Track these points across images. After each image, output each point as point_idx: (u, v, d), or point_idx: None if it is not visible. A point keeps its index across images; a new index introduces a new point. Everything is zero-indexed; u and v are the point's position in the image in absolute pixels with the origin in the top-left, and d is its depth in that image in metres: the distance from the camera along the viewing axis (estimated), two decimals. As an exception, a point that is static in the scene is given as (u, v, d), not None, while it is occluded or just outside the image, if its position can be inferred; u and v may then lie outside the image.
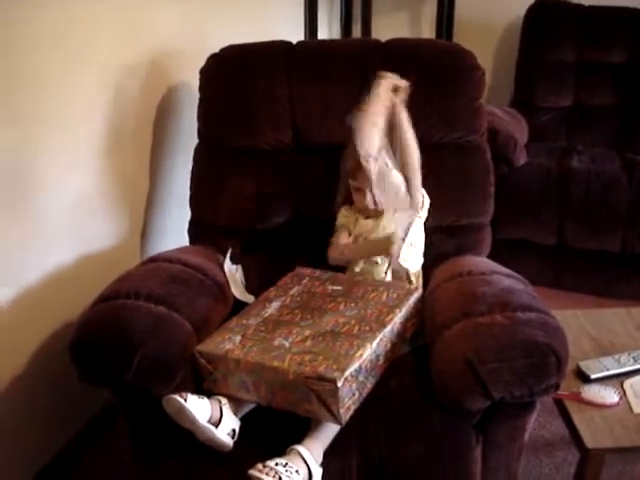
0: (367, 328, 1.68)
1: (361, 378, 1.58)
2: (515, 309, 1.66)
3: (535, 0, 3.54)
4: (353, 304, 1.80)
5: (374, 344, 1.63)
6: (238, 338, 1.69)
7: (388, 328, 1.70)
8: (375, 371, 1.65)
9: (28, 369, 2.00)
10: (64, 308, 2.10)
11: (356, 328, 1.69)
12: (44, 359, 2.05)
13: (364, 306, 1.78)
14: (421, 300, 1.88)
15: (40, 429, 2.09)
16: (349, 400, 1.53)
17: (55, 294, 2.07)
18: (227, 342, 1.67)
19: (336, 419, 1.52)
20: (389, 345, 1.71)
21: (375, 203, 1.99)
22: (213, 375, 1.65)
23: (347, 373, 1.51)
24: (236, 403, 1.63)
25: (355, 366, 1.54)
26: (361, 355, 1.58)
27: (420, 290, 1.90)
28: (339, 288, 1.90)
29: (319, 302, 1.83)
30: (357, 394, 1.57)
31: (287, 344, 1.64)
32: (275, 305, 1.84)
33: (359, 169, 1.96)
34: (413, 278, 2.00)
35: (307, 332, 1.68)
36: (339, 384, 1.48)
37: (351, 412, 1.55)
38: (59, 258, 2.08)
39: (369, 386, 1.63)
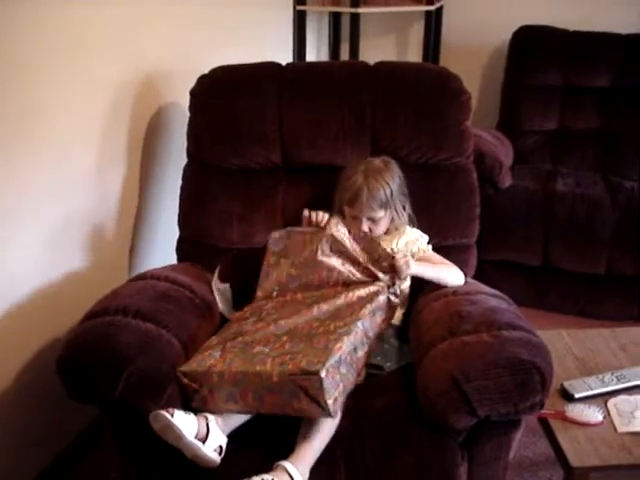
0: (341, 324, 1.72)
1: (343, 370, 1.61)
2: (500, 328, 1.68)
3: (521, 25, 3.59)
4: (324, 306, 1.83)
5: (351, 336, 1.67)
6: (218, 353, 1.71)
7: (361, 322, 1.73)
8: (355, 365, 1.68)
9: (14, 385, 1.99)
10: (52, 325, 2.10)
11: (331, 326, 1.72)
12: (31, 375, 2.04)
13: (335, 308, 1.82)
14: (389, 301, 1.90)
15: (23, 446, 2.07)
16: (335, 391, 1.56)
17: (43, 311, 2.06)
18: (208, 358, 1.69)
19: (325, 411, 1.54)
20: (365, 339, 1.74)
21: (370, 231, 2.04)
22: (199, 393, 1.66)
23: (328, 364, 1.54)
24: (223, 420, 1.64)
25: (335, 357, 1.58)
26: (340, 347, 1.61)
27: (394, 290, 1.91)
28: (313, 294, 1.92)
29: (293, 309, 1.86)
30: (341, 386, 1.59)
31: (267, 350, 1.67)
32: (251, 320, 1.87)
33: (357, 199, 2.01)
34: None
35: (284, 338, 1.71)
36: (323, 375, 1.51)
37: (339, 405, 1.58)
38: (47, 275, 2.08)
39: (351, 380, 1.65)
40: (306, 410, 1.56)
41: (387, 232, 2.10)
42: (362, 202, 2.02)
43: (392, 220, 2.09)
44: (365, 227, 2.04)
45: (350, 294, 1.86)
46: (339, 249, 1.97)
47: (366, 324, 1.76)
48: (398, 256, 1.90)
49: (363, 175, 2.04)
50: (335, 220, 2.03)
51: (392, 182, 2.06)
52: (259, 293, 2.03)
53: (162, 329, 1.73)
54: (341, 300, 1.85)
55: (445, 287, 1.98)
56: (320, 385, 1.52)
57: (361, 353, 1.72)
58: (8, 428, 2.01)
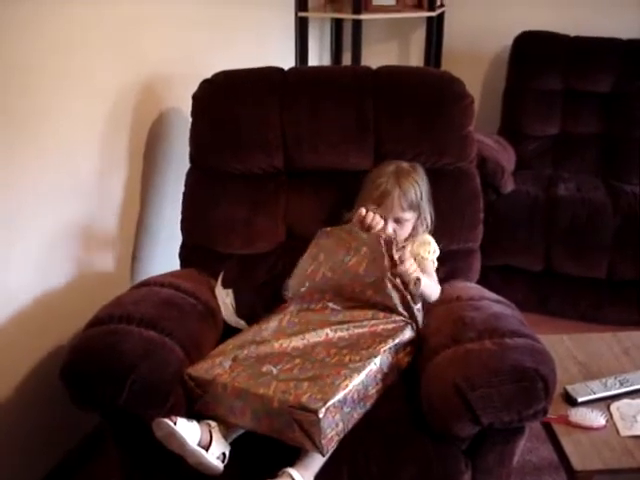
0: (357, 358, 1.68)
1: (346, 409, 1.56)
2: (503, 335, 1.68)
3: (522, 30, 3.60)
4: (346, 333, 1.79)
5: (362, 374, 1.63)
6: (229, 363, 1.69)
7: (378, 359, 1.70)
8: (364, 401, 1.64)
9: (17, 392, 1.99)
10: (55, 331, 2.10)
11: (347, 358, 1.68)
12: (34, 382, 2.04)
13: (357, 336, 1.78)
14: (417, 332, 1.89)
15: (26, 452, 2.08)
16: (332, 431, 1.52)
17: (46, 317, 2.07)
18: (217, 367, 1.68)
19: (318, 449, 1.51)
20: (379, 376, 1.70)
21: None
22: (203, 398, 1.66)
23: (330, 404, 1.50)
24: (226, 427, 1.64)
25: (339, 396, 1.53)
26: (347, 385, 1.57)
27: (419, 322, 1.90)
28: (338, 309, 1.90)
29: (315, 324, 1.83)
30: (341, 425, 1.55)
31: (275, 371, 1.64)
32: (272, 326, 1.85)
33: (388, 197, 2.01)
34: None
35: (297, 360, 1.68)
36: (320, 415, 1.47)
37: (334, 443, 1.54)
38: (50, 282, 2.09)
39: (356, 417, 1.62)
40: (300, 442, 1.53)
41: (406, 238, 2.08)
42: (393, 201, 2.01)
43: (414, 228, 2.08)
44: (390, 228, 2.02)
45: (374, 323, 1.83)
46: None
47: (383, 361, 1.72)
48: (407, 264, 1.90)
49: (395, 175, 2.05)
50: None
51: (422, 184, 2.07)
52: (291, 281, 2.01)
53: (165, 336, 1.73)
54: (365, 329, 1.81)
55: (440, 281, 2.01)
56: (317, 424, 1.48)
57: (373, 391, 1.68)
58: (12, 434, 2.01)
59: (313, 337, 1.78)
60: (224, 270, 2.14)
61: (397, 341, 1.79)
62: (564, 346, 2.10)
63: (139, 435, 1.64)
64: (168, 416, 1.56)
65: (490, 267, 2.81)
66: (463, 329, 1.73)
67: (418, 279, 1.89)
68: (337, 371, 1.61)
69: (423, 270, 1.99)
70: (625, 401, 1.84)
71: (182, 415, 1.59)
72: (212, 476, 1.57)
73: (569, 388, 1.86)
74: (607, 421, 1.76)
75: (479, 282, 2.19)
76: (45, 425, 2.12)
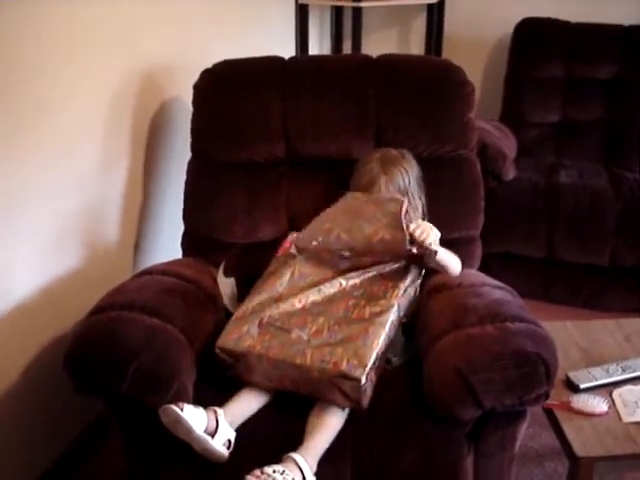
0: (377, 310, 1.75)
1: (378, 363, 1.66)
2: (505, 320, 1.69)
3: (523, 17, 3.59)
4: (357, 280, 1.85)
5: (386, 327, 1.71)
6: (255, 329, 1.74)
7: (395, 308, 1.77)
8: (386, 349, 1.73)
9: (21, 380, 2.00)
10: (58, 320, 2.11)
11: (366, 310, 1.75)
12: (37, 371, 2.05)
13: (369, 282, 1.84)
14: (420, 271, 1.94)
15: (31, 442, 2.09)
16: (369, 386, 1.62)
17: (49, 306, 2.07)
18: (245, 336, 1.73)
19: (359, 406, 1.61)
20: (397, 322, 1.79)
21: None
22: (235, 367, 1.73)
23: (368, 368, 1.59)
24: (232, 414, 1.64)
25: (373, 357, 1.62)
26: (377, 344, 1.66)
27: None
28: (346, 255, 1.91)
29: (327, 274, 1.88)
30: (375, 378, 1.65)
31: (305, 336, 1.70)
32: (285, 280, 1.89)
33: (373, 185, 2.02)
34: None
35: (321, 320, 1.74)
36: (363, 381, 1.57)
37: (369, 395, 1.63)
38: (53, 270, 2.09)
39: (381, 365, 1.71)
40: (339, 402, 1.63)
41: None
42: (379, 188, 2.02)
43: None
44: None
45: (381, 267, 1.87)
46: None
47: (401, 306, 1.80)
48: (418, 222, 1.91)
49: (380, 162, 2.05)
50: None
51: (410, 170, 2.06)
52: (304, 232, 2.01)
53: (168, 324, 1.73)
54: (374, 272, 1.86)
55: (446, 275, 1.99)
56: (359, 389, 1.58)
57: (393, 337, 1.77)
58: (16, 425, 2.02)
59: (328, 289, 1.84)
60: (226, 259, 2.15)
61: (407, 282, 1.85)
62: (566, 333, 2.10)
63: (143, 422, 1.65)
64: (175, 402, 1.56)
65: (491, 255, 2.81)
66: (465, 314, 1.74)
67: (435, 251, 1.90)
68: (364, 329, 1.69)
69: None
70: (627, 387, 1.84)
71: (187, 401, 1.60)
72: (217, 462, 1.58)
73: (571, 375, 1.86)
74: (609, 407, 1.77)
75: (480, 270, 2.19)
76: (49, 414, 2.13)
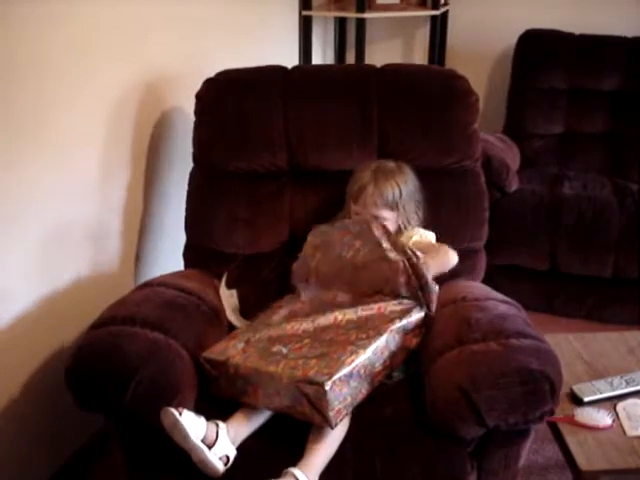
0: (364, 336, 1.72)
1: (353, 384, 1.61)
2: (509, 336, 1.67)
3: (526, 29, 3.59)
4: (355, 316, 1.82)
5: (369, 351, 1.67)
6: (242, 345, 1.75)
7: (384, 336, 1.72)
8: (371, 377, 1.68)
9: (22, 392, 1.99)
10: (58, 333, 2.10)
11: (354, 336, 1.72)
12: (39, 383, 2.04)
13: (366, 318, 1.80)
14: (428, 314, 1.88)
15: (31, 453, 2.07)
16: (339, 404, 1.56)
17: (49, 318, 2.06)
18: (231, 349, 1.74)
19: (327, 421, 1.55)
20: (386, 353, 1.73)
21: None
22: (218, 381, 1.72)
23: (336, 377, 1.55)
24: (235, 430, 1.63)
25: (345, 371, 1.58)
26: (353, 360, 1.61)
27: (431, 303, 1.88)
28: (347, 296, 1.92)
29: (325, 308, 1.87)
30: (349, 399, 1.60)
31: (285, 350, 1.69)
32: (284, 312, 1.90)
33: (361, 193, 2.01)
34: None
35: (306, 341, 1.73)
36: (327, 387, 1.53)
37: (342, 416, 1.58)
38: (53, 283, 2.08)
39: (364, 392, 1.66)
40: (309, 416, 1.59)
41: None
42: (367, 197, 2.02)
43: (400, 229, 2.08)
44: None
45: (383, 305, 1.85)
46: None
47: (390, 339, 1.75)
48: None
49: (373, 173, 2.05)
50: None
51: (403, 185, 2.05)
52: (294, 278, 2.04)
53: (170, 338, 1.73)
54: (373, 311, 1.83)
55: (445, 280, 1.99)
56: (323, 396, 1.53)
57: (380, 367, 1.71)
58: (16, 436, 2.00)
59: (322, 320, 1.81)
60: (228, 270, 2.14)
61: (405, 322, 1.80)
62: (570, 346, 2.09)
63: (144, 436, 1.64)
64: (176, 407, 1.56)
65: (495, 266, 2.81)
66: (468, 330, 1.72)
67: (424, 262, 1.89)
68: (344, 348, 1.66)
69: (427, 246, 2.02)
70: (631, 401, 1.83)
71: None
72: (212, 476, 1.56)
73: (575, 388, 1.85)
74: (613, 421, 1.75)
75: (484, 282, 2.18)
76: (49, 426, 2.12)
